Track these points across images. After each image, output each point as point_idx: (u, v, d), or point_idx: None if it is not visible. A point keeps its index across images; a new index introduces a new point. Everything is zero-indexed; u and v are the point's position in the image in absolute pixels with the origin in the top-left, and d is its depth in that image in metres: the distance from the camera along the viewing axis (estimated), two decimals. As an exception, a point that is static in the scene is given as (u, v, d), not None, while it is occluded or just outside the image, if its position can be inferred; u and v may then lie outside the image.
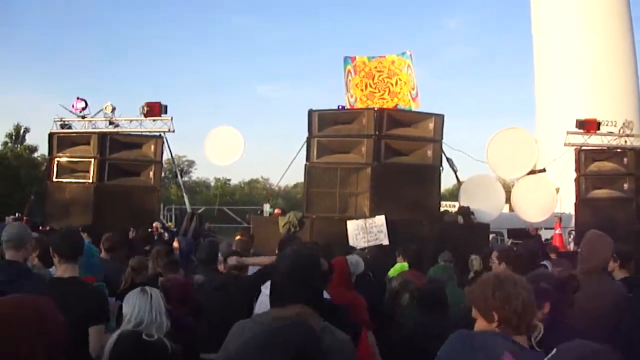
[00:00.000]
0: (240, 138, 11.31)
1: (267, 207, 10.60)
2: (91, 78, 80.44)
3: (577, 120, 11.35)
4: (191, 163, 50.06)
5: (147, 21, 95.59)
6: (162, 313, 3.38)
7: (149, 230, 10.13)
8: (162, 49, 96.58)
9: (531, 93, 34.29)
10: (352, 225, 9.55)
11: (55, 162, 11.64)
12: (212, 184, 48.45)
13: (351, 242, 9.30)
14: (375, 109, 10.27)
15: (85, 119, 11.73)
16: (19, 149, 29.37)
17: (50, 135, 11.74)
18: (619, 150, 11.47)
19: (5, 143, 29.76)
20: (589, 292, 3.79)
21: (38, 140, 30.18)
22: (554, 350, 1.73)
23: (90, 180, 11.35)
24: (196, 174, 52.06)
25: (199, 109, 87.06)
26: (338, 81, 11.45)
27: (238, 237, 7.70)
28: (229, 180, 49.10)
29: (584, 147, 11.34)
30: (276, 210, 10.30)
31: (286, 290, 2.57)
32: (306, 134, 10.15)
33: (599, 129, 11.43)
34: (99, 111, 11.65)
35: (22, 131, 30.14)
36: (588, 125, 11.35)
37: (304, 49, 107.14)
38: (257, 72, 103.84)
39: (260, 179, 53.38)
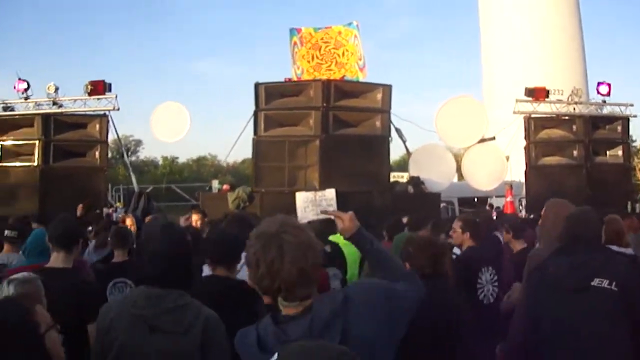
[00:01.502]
0: (186, 113, 11.11)
1: (215, 184, 10.48)
2: (33, 59, 77.85)
3: (526, 88, 11.40)
4: (138, 142, 48.90)
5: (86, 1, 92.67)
6: None
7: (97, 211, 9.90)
8: (103, 27, 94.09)
9: (479, 62, 34.36)
10: (301, 198, 9.46)
11: (-1, 146, 11.29)
12: (160, 162, 47.44)
13: (299, 215, 9.20)
14: (323, 80, 10.16)
15: (28, 100, 11.38)
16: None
17: (-8, 118, 11.37)
18: (567, 117, 11.57)
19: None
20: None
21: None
22: (275, 355, 1.36)
23: (36, 163, 11.02)
24: (144, 154, 51.05)
25: (142, 88, 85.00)
26: (284, 54, 11.31)
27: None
28: (177, 158, 48.55)
29: (533, 115, 11.40)
30: (225, 186, 10.17)
31: (158, 271, 2.53)
32: (253, 108, 10.01)
33: (547, 96, 11.50)
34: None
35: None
36: (537, 93, 11.41)
37: (246, 22, 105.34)
38: (199, 48, 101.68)
39: (208, 156, 52.64)
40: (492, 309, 4.61)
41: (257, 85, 9.96)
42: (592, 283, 3.15)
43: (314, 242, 1.95)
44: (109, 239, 6.70)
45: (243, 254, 3.47)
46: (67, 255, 3.48)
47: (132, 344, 2.39)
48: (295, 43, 11.05)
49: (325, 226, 6.81)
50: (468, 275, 4.55)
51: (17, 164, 11.17)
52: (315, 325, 1.86)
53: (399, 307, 2.02)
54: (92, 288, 3.48)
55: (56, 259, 3.48)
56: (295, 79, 10.93)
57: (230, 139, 11.02)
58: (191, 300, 2.52)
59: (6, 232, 5.51)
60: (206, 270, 3.70)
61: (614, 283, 3.13)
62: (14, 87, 11.33)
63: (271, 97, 9.97)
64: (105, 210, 10.25)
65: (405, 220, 6.81)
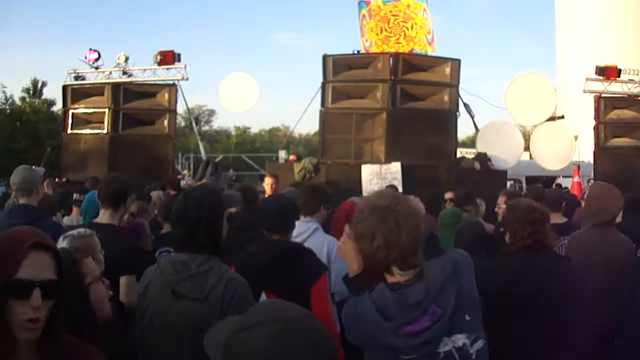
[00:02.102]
0: (254, 84, 11.21)
1: (282, 154, 10.56)
2: (105, 28, 79.54)
3: (596, 67, 11.09)
4: (212, 112, 50.19)
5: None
6: None
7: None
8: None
9: (552, 40, 34.11)
10: (366, 170, 9.48)
11: (70, 114, 11.63)
12: (233, 132, 47.97)
13: (364, 188, 9.23)
14: (391, 53, 10.11)
15: (99, 69, 11.69)
16: (37, 103, 28.77)
17: (64, 87, 11.71)
18: (639, 98, 11.23)
19: (23, 98, 28.70)
20: (601, 245, 3.75)
21: (56, 94, 29.57)
22: (248, 312, 1.30)
23: (105, 131, 11.34)
24: (217, 123, 52.47)
25: (216, 59, 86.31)
26: (353, 26, 11.25)
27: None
28: (249, 128, 49.44)
29: (603, 95, 11.09)
30: (291, 157, 10.26)
31: (180, 235, 2.55)
32: (321, 80, 10.04)
33: (619, 76, 11.17)
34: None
35: (39, 85, 29.30)
36: (608, 72, 11.09)
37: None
38: (271, 19, 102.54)
39: (281, 127, 53.00)
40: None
41: (325, 57, 9.98)
42: None
43: (423, 213, 2.16)
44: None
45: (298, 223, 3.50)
46: (113, 212, 3.62)
47: (160, 309, 2.45)
48: (363, 16, 11.00)
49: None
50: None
51: (88, 131, 11.52)
52: (432, 289, 1.98)
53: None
54: (125, 245, 3.46)
55: (103, 216, 3.63)
56: (363, 51, 10.90)
57: (303, 111, 11.05)
58: (216, 265, 2.47)
59: (75, 195, 5.67)
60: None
61: None
62: (85, 57, 11.66)
63: (339, 69, 9.97)
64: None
65: (449, 195, 6.68)
